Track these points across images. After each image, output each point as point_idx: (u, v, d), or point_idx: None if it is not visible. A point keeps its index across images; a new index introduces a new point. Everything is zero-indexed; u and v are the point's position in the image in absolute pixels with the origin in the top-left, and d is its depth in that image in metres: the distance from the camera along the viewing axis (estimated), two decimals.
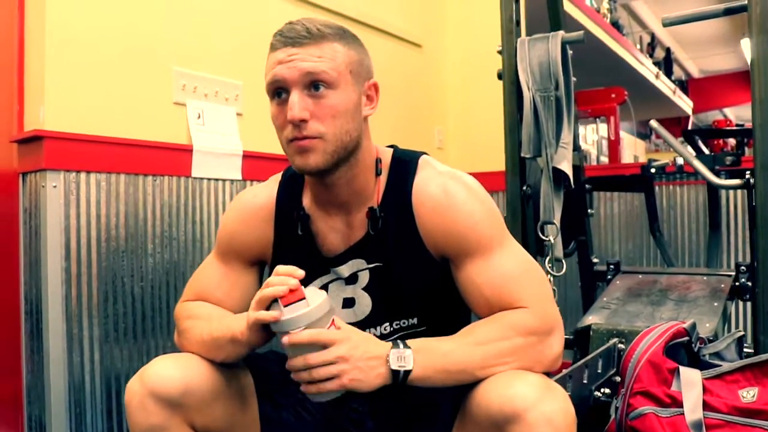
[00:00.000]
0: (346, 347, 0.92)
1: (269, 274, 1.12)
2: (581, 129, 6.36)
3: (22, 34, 1.70)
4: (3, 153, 1.78)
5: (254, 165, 2.08)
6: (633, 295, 1.90)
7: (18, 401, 1.76)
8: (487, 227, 1.06)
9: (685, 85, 7.15)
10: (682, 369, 1.20)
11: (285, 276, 0.94)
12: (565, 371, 1.31)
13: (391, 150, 1.17)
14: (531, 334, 0.99)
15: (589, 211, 2.15)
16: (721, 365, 1.24)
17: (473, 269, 1.05)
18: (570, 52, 1.96)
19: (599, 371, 1.41)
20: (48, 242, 1.63)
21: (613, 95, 3.64)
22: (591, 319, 1.72)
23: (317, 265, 1.12)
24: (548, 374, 1.04)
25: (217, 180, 2.02)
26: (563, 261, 1.75)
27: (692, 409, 1.14)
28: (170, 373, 1.02)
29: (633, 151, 7.09)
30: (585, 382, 1.36)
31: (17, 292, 1.73)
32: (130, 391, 1.03)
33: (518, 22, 1.81)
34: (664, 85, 5.47)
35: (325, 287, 1.13)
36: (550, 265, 1.73)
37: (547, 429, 0.86)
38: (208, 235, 1.98)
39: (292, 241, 1.13)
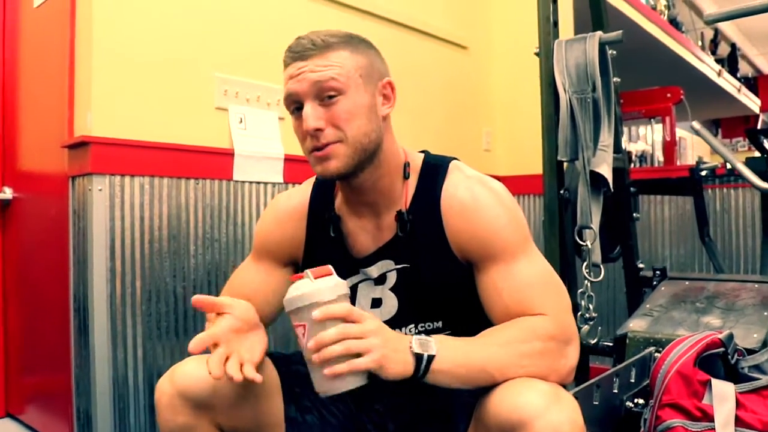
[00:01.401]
0: (375, 323, 0.93)
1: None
2: (641, 129, 6.19)
3: (72, 45, 1.78)
4: (55, 158, 1.87)
5: (296, 168, 2.12)
6: (677, 302, 1.84)
7: (68, 394, 1.84)
8: (512, 233, 1.06)
9: (753, 82, 6.83)
10: (714, 381, 1.16)
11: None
12: (593, 380, 1.28)
13: (422, 155, 1.18)
14: (550, 341, 0.98)
15: (634, 215, 2.09)
16: (760, 379, 1.19)
17: (495, 274, 1.05)
18: (612, 52, 1.92)
19: (632, 381, 1.37)
20: (94, 243, 1.70)
21: (669, 95, 3.53)
22: (631, 326, 1.67)
23: (347, 265, 1.14)
24: (565, 386, 1.02)
25: (258, 183, 2.06)
26: (601, 266, 1.71)
27: (723, 425, 1.10)
28: (198, 373, 1.05)
29: (697, 152, 6.85)
30: (615, 391, 1.33)
31: (67, 290, 1.81)
32: (160, 390, 1.07)
33: (556, 23, 1.78)
34: (727, 83, 5.25)
35: (354, 287, 1.15)
36: (587, 270, 1.70)
37: None
38: (249, 236, 2.02)
39: (324, 241, 1.16)
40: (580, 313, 1.71)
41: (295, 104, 1.07)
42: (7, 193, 2.26)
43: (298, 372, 1.15)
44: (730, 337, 1.25)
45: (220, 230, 1.96)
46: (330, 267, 0.98)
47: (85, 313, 1.73)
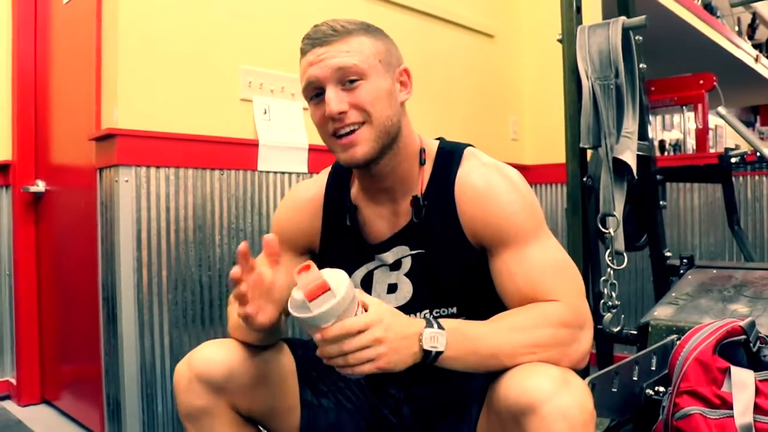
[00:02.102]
0: (380, 330, 0.90)
1: (318, 262, 1.15)
2: (676, 118, 6.06)
3: (99, 40, 1.82)
4: (84, 151, 1.91)
5: (320, 158, 2.13)
6: (704, 291, 1.81)
7: (99, 381, 1.89)
8: (525, 219, 1.05)
9: None
10: (733, 369, 1.14)
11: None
12: (611, 367, 1.27)
13: (437, 142, 1.18)
14: (563, 327, 0.98)
15: (661, 203, 2.06)
16: None
17: (509, 259, 1.04)
18: (638, 38, 1.89)
19: (653, 368, 1.36)
20: (121, 233, 1.74)
21: (701, 81, 3.44)
22: (656, 314, 1.65)
23: (363, 252, 1.15)
24: (582, 372, 1.02)
25: (283, 173, 2.08)
26: (624, 254, 1.69)
27: (742, 412, 1.09)
28: (215, 357, 1.07)
29: (734, 140, 6.69)
30: (635, 378, 1.32)
31: (97, 280, 1.86)
32: (179, 373, 1.09)
33: (579, 9, 1.76)
34: (766, 69, 5.11)
35: (370, 273, 1.15)
36: (610, 258, 1.68)
37: (561, 423, 0.85)
38: None
39: (339, 231, 1.17)
40: (603, 301, 1.69)
41: (315, 90, 1.06)
42: (40, 186, 2.32)
43: (314, 357, 1.16)
44: (752, 324, 1.23)
45: (245, 220, 1.99)
46: (323, 279, 0.89)
47: (114, 302, 1.77)
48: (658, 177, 2.04)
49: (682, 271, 2.00)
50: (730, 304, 1.67)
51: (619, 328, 1.69)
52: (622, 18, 1.68)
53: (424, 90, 2.61)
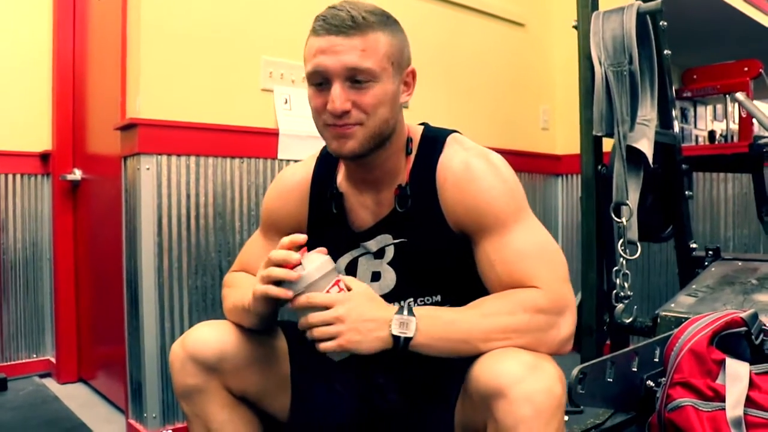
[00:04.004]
0: (343, 308, 0.94)
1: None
2: (729, 107, 5.83)
3: (124, 32, 1.88)
4: (111, 140, 1.99)
5: None
6: (726, 283, 1.76)
7: (124, 361, 1.96)
8: (506, 204, 1.05)
9: None
10: (729, 361, 1.11)
11: (286, 251, 0.99)
12: (605, 356, 1.26)
13: (422, 128, 1.18)
14: (539, 313, 0.97)
15: (687, 193, 2.01)
16: None
17: (489, 246, 1.04)
18: (663, 23, 1.84)
19: (656, 360, 1.33)
20: (142, 219, 1.80)
21: (746, 68, 3.31)
22: (672, 306, 1.62)
23: (348, 239, 1.16)
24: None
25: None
26: (638, 244, 1.66)
27: (734, 405, 1.06)
28: (208, 338, 1.11)
29: None
30: (634, 369, 1.30)
31: (121, 264, 1.93)
32: (173, 353, 1.13)
33: None
34: None
35: (354, 261, 1.17)
36: (623, 248, 1.65)
37: (526, 407, 0.85)
38: None
39: (325, 216, 1.18)
40: (615, 292, 1.67)
41: (321, 78, 1.03)
42: (77, 175, 2.42)
43: (307, 340, 1.19)
44: (755, 316, 1.19)
45: None
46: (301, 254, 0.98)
47: (136, 286, 1.84)
48: (684, 166, 1.99)
49: (706, 263, 1.95)
50: (750, 297, 1.62)
51: (631, 320, 1.67)
52: (638, 2, 1.64)
53: (451, 80, 2.60)
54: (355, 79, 1.02)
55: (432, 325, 0.96)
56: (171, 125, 1.84)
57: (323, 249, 1.02)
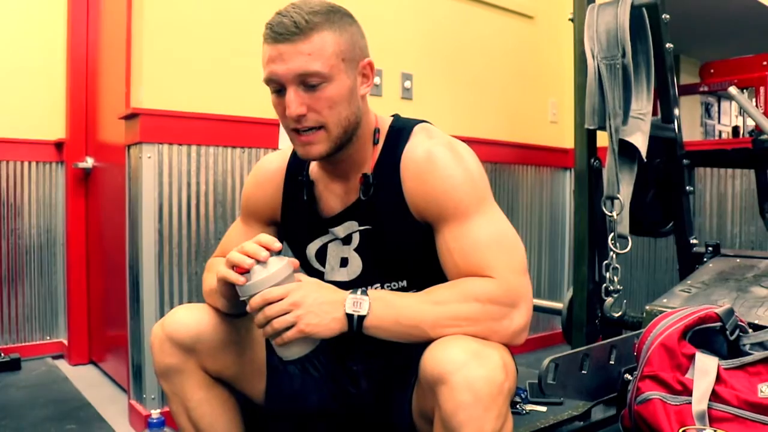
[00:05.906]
0: (298, 294, 0.97)
1: (280, 233, 1.24)
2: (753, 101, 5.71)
3: (129, 24, 1.93)
4: (116, 129, 2.04)
5: None
6: (721, 280, 1.74)
7: (126, 344, 2.02)
8: (466, 193, 1.06)
9: None
10: (698, 355, 1.11)
11: (258, 246, 1.01)
12: (579, 349, 1.27)
13: (392, 119, 1.19)
14: (491, 303, 0.99)
15: (688, 188, 1.99)
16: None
17: (448, 235, 1.06)
18: (665, 16, 1.82)
19: (635, 353, 1.34)
20: (143, 206, 1.85)
21: (765, 63, 3.25)
22: (664, 301, 1.62)
23: (317, 225, 1.19)
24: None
25: None
26: (629, 238, 1.66)
27: (699, 399, 1.06)
28: (186, 320, 1.14)
29: None
30: (612, 362, 1.31)
31: (124, 250, 1.99)
32: (153, 334, 1.17)
33: None
34: None
35: (324, 247, 1.19)
36: (613, 241, 1.65)
37: (466, 394, 0.87)
38: None
39: (297, 204, 1.21)
40: (604, 286, 1.67)
41: (276, 86, 1.05)
42: (89, 162, 2.49)
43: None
44: (730, 312, 1.19)
45: None
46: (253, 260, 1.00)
47: (137, 272, 1.89)
48: (685, 161, 1.97)
49: (705, 259, 1.93)
50: (744, 294, 1.61)
51: (620, 314, 1.66)
52: None
53: (459, 72, 2.61)
54: (307, 83, 1.03)
55: (384, 307, 0.98)
56: (172, 115, 1.88)
57: (295, 261, 1.04)
